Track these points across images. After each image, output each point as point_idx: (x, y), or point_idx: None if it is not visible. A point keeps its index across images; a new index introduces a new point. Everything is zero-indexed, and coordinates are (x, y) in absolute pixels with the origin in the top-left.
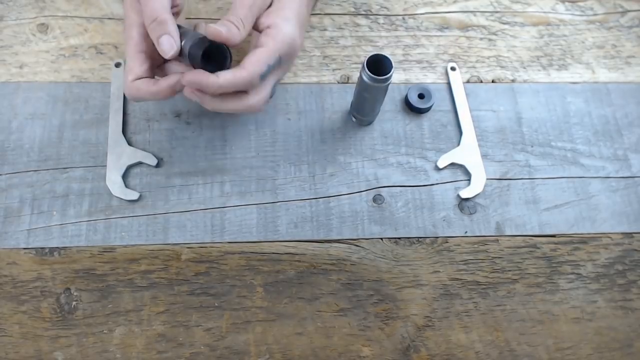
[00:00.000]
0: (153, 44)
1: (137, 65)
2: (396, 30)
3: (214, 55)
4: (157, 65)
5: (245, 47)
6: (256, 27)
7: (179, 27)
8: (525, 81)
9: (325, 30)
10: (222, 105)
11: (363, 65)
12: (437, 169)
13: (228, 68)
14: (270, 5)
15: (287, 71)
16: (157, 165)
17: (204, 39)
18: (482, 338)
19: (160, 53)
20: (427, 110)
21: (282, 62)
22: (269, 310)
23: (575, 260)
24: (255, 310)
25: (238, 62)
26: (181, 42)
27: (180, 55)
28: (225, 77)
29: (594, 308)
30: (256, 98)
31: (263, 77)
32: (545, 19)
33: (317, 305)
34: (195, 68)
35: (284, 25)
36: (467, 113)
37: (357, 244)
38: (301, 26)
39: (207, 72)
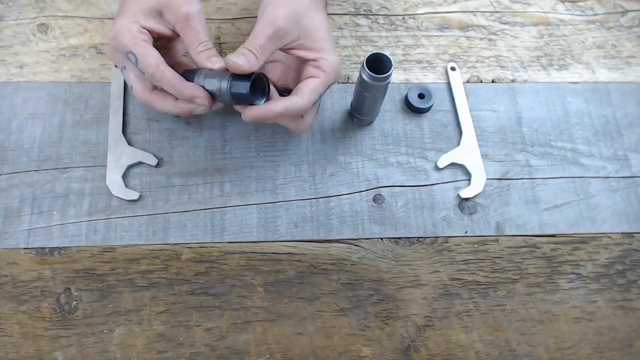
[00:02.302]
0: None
1: (151, 50)
2: (396, 30)
3: (253, 85)
4: None
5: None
6: (303, 58)
7: (192, 70)
8: (525, 81)
9: None
10: (276, 122)
11: (363, 64)
12: (437, 169)
13: (269, 92)
14: (298, 39)
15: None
16: (157, 165)
17: (240, 76)
18: (482, 338)
19: (233, 68)
20: (427, 110)
21: (331, 86)
22: (269, 310)
23: (575, 260)
24: (255, 310)
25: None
26: (207, 80)
27: (214, 95)
28: (282, 106)
29: (594, 308)
30: (309, 119)
31: (315, 102)
32: (545, 19)
33: (317, 305)
34: (236, 103)
35: (328, 57)
36: (467, 113)
37: (357, 244)
38: (335, 50)
39: (259, 103)
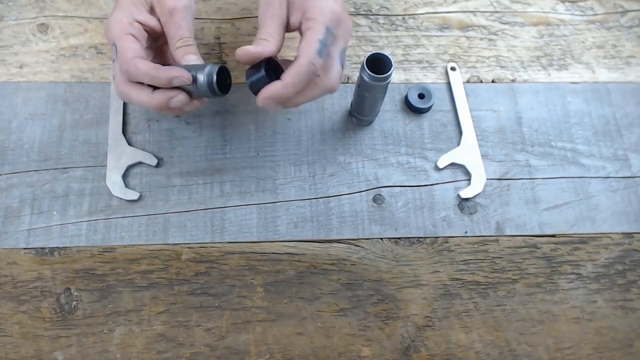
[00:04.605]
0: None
1: (131, 43)
2: (396, 30)
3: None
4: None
5: None
6: (295, 27)
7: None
8: (525, 81)
9: None
10: (303, 98)
11: (363, 65)
12: (437, 169)
13: (230, 84)
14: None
15: (347, 40)
16: (157, 165)
17: (210, 69)
18: (482, 338)
19: (245, 58)
20: (427, 110)
21: (333, 31)
22: (269, 310)
23: (575, 260)
24: (255, 310)
25: None
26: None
27: (192, 92)
28: (289, 76)
29: (594, 308)
30: (329, 76)
31: (321, 53)
32: (545, 19)
33: (317, 305)
34: (254, 92)
35: (314, 4)
36: (467, 113)
37: (357, 244)
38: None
39: (270, 83)
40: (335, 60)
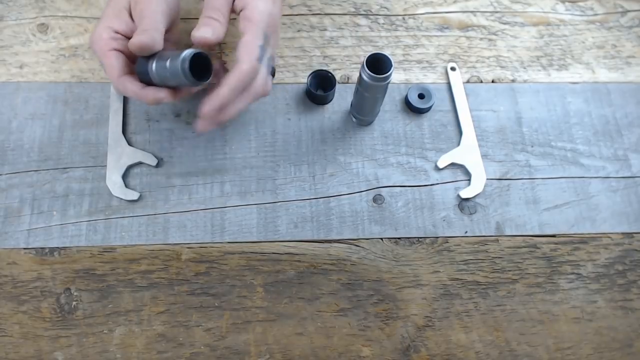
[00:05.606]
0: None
1: (115, 60)
2: (396, 30)
3: (193, 67)
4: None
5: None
6: (233, 10)
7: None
8: (525, 81)
9: (325, 30)
10: (236, 107)
11: (363, 65)
12: (437, 169)
13: (211, 70)
14: None
15: (276, 44)
16: (157, 165)
17: (184, 55)
18: (482, 338)
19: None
20: (427, 110)
21: (269, 38)
22: (269, 310)
23: (575, 260)
24: (255, 310)
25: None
26: (157, 63)
27: (168, 81)
28: (231, 80)
29: (594, 308)
30: (258, 82)
31: (261, 59)
32: (545, 19)
33: (317, 305)
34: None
35: (257, 3)
36: (467, 113)
37: (357, 244)
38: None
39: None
40: (263, 66)
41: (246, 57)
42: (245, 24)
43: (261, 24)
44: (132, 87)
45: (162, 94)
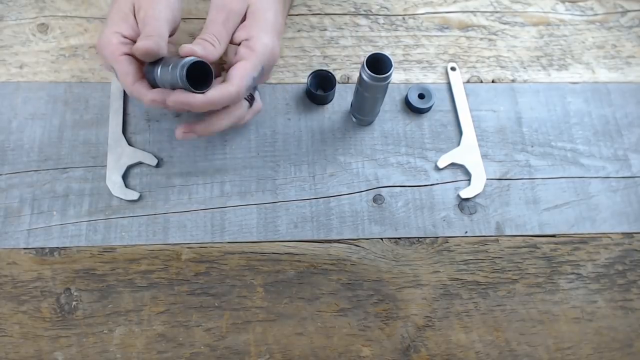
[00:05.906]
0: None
1: (128, 66)
2: (396, 30)
3: (196, 76)
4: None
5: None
6: (233, 41)
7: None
8: (525, 81)
9: (325, 30)
10: (216, 125)
11: (363, 65)
12: (437, 169)
13: (212, 80)
14: (244, 19)
15: (266, 79)
16: (157, 165)
17: (184, 62)
18: (482, 338)
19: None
20: (427, 110)
21: (264, 72)
22: (269, 310)
23: (575, 260)
24: (255, 310)
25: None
26: (162, 69)
27: (163, 82)
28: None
29: (594, 308)
30: (240, 109)
31: (249, 88)
32: (545, 19)
33: (317, 305)
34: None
35: (262, 36)
36: (467, 113)
37: (357, 244)
38: (278, 35)
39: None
40: (252, 97)
41: (237, 81)
42: (247, 52)
43: (262, 56)
44: (149, 94)
45: (183, 99)
